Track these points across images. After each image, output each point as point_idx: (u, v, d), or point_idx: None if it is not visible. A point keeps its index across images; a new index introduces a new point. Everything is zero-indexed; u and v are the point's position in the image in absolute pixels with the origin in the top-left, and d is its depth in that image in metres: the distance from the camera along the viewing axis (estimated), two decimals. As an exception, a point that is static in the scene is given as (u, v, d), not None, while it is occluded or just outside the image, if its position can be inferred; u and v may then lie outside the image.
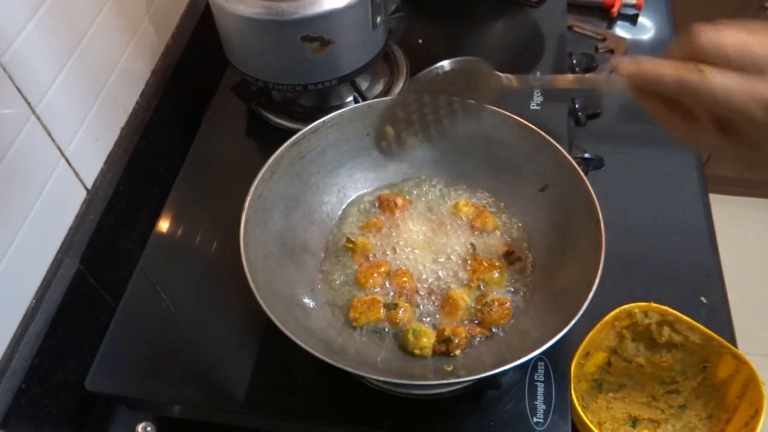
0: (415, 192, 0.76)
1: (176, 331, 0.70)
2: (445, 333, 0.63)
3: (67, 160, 0.71)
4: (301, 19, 0.74)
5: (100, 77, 0.76)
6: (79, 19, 0.72)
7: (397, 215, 0.73)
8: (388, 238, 0.71)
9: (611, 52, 1.05)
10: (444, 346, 0.63)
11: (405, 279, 0.68)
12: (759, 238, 1.92)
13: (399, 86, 0.91)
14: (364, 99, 0.87)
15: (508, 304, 0.65)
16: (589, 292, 0.55)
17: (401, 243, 0.71)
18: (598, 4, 1.10)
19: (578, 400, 0.66)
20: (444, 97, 0.66)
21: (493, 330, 0.64)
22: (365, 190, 0.76)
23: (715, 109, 0.43)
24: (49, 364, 0.67)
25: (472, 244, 0.70)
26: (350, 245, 0.71)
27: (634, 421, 0.70)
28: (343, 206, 0.75)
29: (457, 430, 0.62)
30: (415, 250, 0.70)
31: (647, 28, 1.09)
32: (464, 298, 0.66)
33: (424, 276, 0.69)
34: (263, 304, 0.56)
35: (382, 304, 0.66)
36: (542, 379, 0.64)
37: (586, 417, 0.64)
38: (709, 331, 0.69)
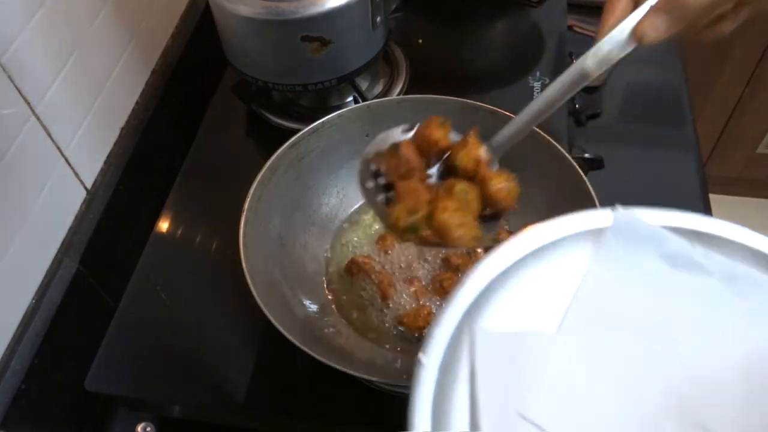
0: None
1: (176, 331, 0.70)
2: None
3: (66, 160, 0.71)
4: (301, 19, 0.74)
5: (100, 77, 0.76)
6: (79, 19, 0.72)
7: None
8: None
9: (611, 52, 1.04)
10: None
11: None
12: (759, 237, 1.92)
13: (399, 86, 0.91)
14: (364, 99, 0.87)
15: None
16: (588, 293, 0.55)
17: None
18: (599, 4, 1.10)
19: (578, 401, 0.66)
20: None
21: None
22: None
23: None
24: (49, 364, 0.67)
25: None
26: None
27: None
28: (343, 207, 0.75)
29: (457, 431, 0.62)
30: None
31: (647, 27, 1.09)
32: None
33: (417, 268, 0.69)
34: (263, 305, 0.56)
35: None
36: (542, 380, 0.64)
37: (586, 417, 0.64)
38: (709, 332, 0.69)
